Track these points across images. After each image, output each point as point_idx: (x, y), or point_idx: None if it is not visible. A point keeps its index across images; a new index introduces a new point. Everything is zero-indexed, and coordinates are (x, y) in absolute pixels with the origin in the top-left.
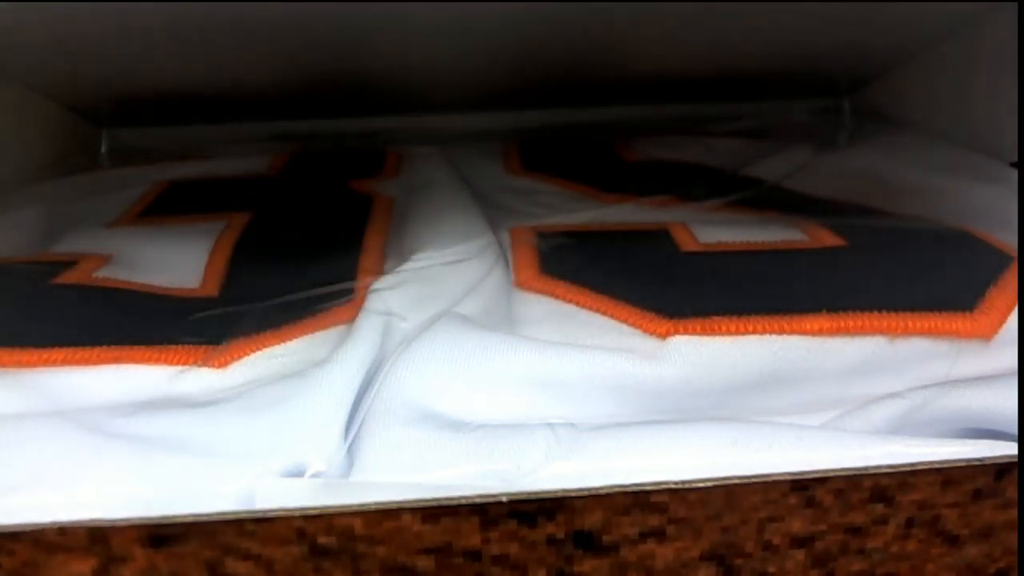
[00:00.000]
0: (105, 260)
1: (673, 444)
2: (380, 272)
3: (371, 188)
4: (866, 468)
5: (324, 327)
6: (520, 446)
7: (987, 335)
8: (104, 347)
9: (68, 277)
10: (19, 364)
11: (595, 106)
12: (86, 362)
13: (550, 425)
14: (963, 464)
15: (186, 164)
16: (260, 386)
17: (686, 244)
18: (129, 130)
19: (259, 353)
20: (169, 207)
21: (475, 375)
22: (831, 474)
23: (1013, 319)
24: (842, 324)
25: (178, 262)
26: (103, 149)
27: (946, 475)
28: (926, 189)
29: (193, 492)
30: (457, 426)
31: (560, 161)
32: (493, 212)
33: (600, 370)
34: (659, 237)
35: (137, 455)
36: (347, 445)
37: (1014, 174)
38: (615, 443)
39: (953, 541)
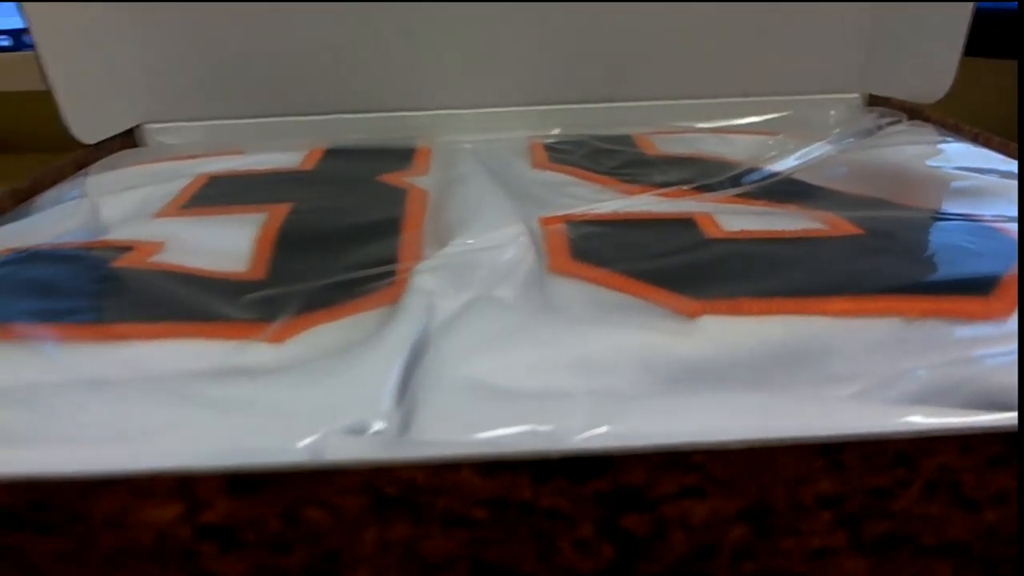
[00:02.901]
0: (157, 247)
1: (707, 410)
2: (418, 258)
3: (404, 181)
4: (889, 433)
5: (370, 307)
6: (564, 411)
7: (1002, 318)
8: (167, 323)
9: (126, 261)
10: (93, 337)
11: (616, 101)
12: (152, 336)
13: (591, 392)
14: (980, 431)
15: (223, 159)
16: (316, 358)
17: (711, 232)
18: (162, 126)
19: (312, 330)
20: (211, 199)
21: (515, 352)
22: (857, 438)
23: None
24: (861, 306)
25: (225, 249)
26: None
27: (964, 441)
28: (944, 183)
29: (266, 448)
30: (503, 394)
31: (584, 156)
32: (523, 203)
33: (632, 347)
34: (685, 225)
35: (214, 414)
36: (400, 413)
37: None
38: (652, 409)
39: (971, 505)
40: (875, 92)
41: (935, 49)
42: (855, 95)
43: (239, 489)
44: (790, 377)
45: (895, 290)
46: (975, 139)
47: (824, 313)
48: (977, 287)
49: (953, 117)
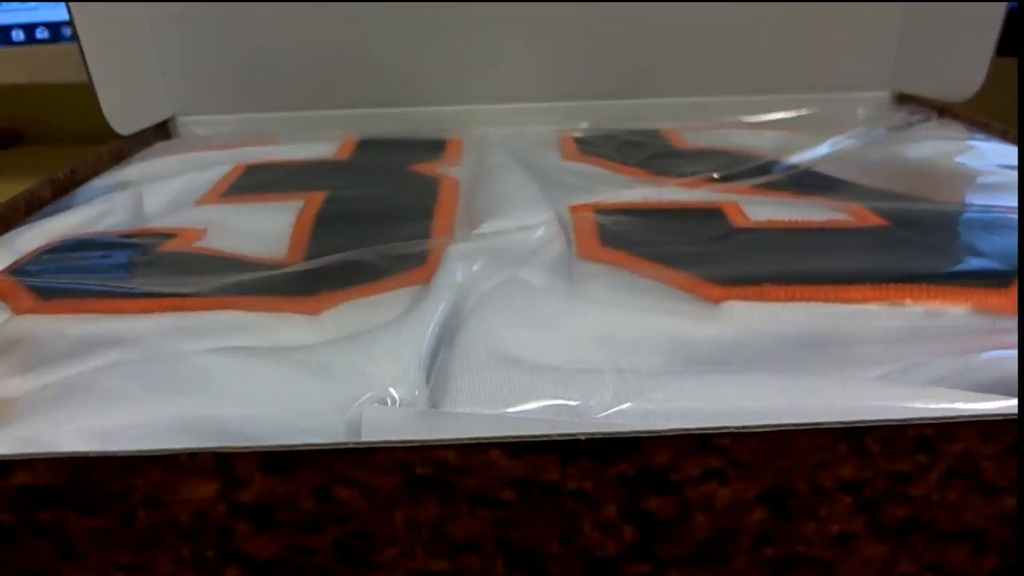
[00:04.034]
0: (200, 233)
1: (729, 389)
2: (451, 242)
3: (436, 171)
4: (911, 419)
5: (404, 285)
6: (592, 386)
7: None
8: (212, 297)
9: (171, 246)
10: (143, 311)
11: (645, 97)
12: (195, 308)
13: (618, 370)
14: (1001, 418)
15: (259, 149)
16: (350, 332)
17: (738, 221)
18: (195, 118)
19: (347, 304)
20: (249, 188)
21: (543, 331)
22: (879, 423)
23: None
24: (883, 294)
25: (264, 235)
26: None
27: (985, 428)
28: (970, 178)
29: (301, 414)
30: (533, 368)
31: (613, 148)
32: (553, 192)
33: (657, 330)
34: (712, 214)
35: (250, 381)
36: (429, 387)
37: None
38: (676, 387)
39: (991, 491)
40: (905, 90)
41: (966, 48)
42: (884, 93)
43: (276, 468)
44: (811, 362)
45: (916, 280)
46: (1004, 137)
47: (846, 301)
48: (996, 279)
49: (985, 116)
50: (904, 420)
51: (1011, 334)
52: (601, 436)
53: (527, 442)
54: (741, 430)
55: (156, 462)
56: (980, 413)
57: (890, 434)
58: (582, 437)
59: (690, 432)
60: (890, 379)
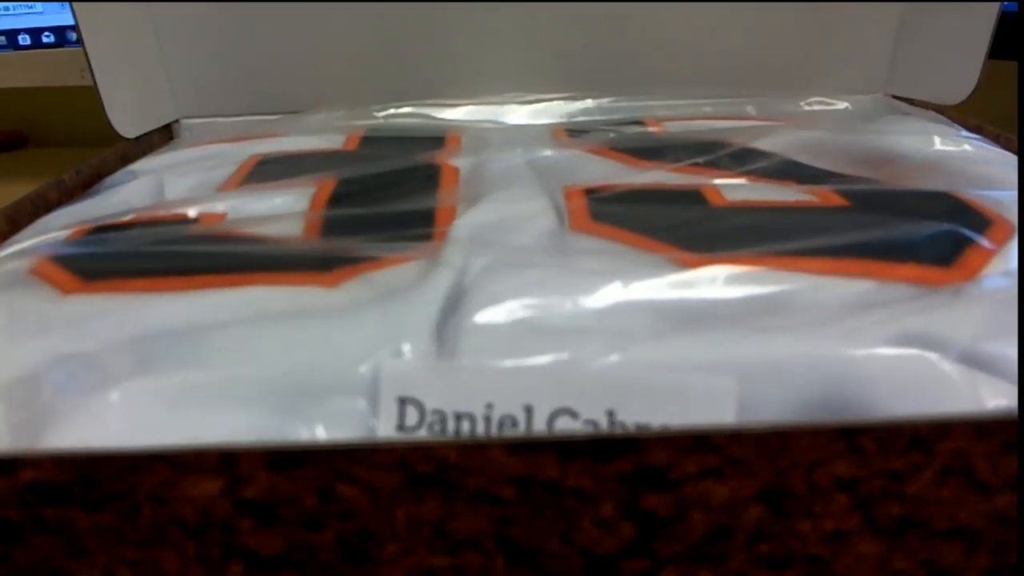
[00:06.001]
0: (220, 217)
1: (706, 344)
2: (453, 219)
3: (438, 159)
4: (906, 418)
5: (412, 259)
6: (584, 342)
7: (957, 284)
8: (237, 274)
9: (195, 228)
10: (175, 288)
11: (637, 98)
12: (224, 285)
13: (604, 329)
14: (995, 416)
15: (269, 141)
16: (365, 300)
17: (716, 201)
18: (200, 121)
19: (361, 276)
20: (264, 175)
21: (539, 296)
22: (874, 423)
23: (983, 274)
24: (839, 266)
25: (280, 217)
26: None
27: (979, 426)
28: (937, 167)
29: (323, 372)
30: (528, 329)
31: (604, 138)
32: (548, 177)
33: (640, 293)
34: (692, 195)
35: (276, 346)
36: (437, 347)
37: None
38: (658, 341)
39: (985, 489)
40: (898, 93)
41: (959, 51)
42: (878, 95)
43: (280, 465)
44: (777, 323)
45: (870, 255)
46: (997, 140)
47: (808, 271)
48: (942, 257)
49: (978, 120)
50: (899, 419)
51: (949, 302)
52: (601, 436)
53: (527, 441)
54: (738, 429)
55: (161, 460)
56: (974, 412)
57: (885, 433)
58: (581, 437)
59: (688, 431)
60: (845, 338)
